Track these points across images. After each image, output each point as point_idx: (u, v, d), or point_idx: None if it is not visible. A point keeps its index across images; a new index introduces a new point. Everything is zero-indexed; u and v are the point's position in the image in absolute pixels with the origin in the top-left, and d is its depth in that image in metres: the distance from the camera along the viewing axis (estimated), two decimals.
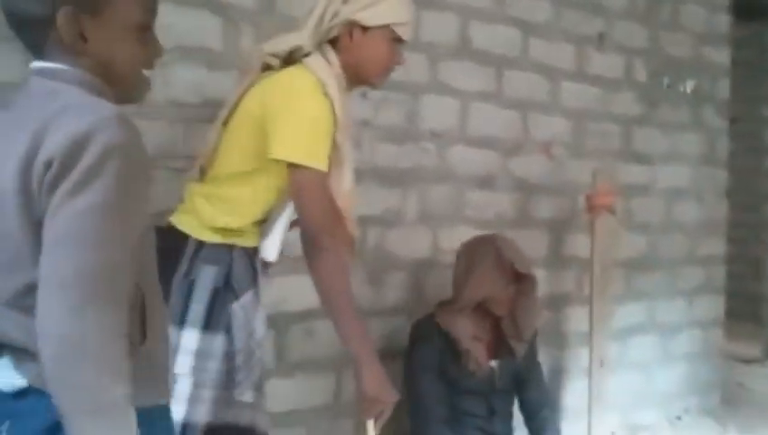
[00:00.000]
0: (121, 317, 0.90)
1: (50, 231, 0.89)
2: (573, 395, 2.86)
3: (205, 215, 1.50)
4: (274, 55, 1.56)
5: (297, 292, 2.10)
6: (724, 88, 3.41)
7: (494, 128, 2.64)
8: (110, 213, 0.89)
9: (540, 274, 2.79)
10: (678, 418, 3.27)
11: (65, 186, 0.88)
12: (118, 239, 0.90)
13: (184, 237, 1.49)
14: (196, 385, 1.45)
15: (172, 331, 1.43)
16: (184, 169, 1.81)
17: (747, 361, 4.14)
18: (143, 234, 0.99)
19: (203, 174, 1.59)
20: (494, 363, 2.17)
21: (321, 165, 1.45)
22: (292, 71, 1.52)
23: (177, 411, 1.41)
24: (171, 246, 1.48)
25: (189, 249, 1.48)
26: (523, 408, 2.30)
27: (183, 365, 1.44)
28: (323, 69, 1.50)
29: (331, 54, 1.54)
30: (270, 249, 1.57)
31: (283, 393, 2.14)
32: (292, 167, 1.44)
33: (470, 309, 2.11)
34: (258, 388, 1.54)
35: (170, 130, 1.95)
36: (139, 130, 0.99)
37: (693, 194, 3.33)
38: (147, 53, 1.06)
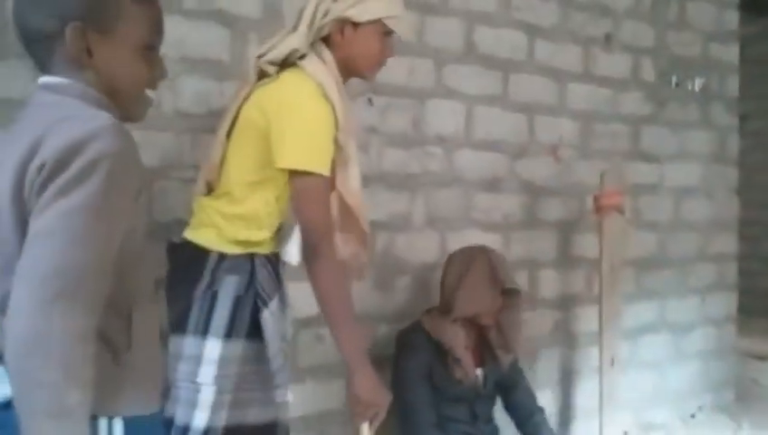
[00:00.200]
0: (91, 321, 0.89)
1: (33, 228, 0.90)
2: (585, 395, 2.87)
3: (226, 231, 1.52)
4: (271, 62, 1.56)
5: (306, 297, 2.11)
6: (732, 85, 3.40)
7: (501, 131, 2.66)
8: (94, 216, 0.90)
9: (549, 274, 2.82)
10: (692, 416, 3.26)
11: (54, 186, 0.89)
12: (100, 243, 0.91)
13: (203, 251, 1.51)
14: (220, 392, 1.47)
15: (193, 340, 1.47)
16: (192, 180, 1.83)
17: (761, 357, 4.12)
18: (133, 241, 1.01)
19: (211, 188, 1.60)
20: (479, 371, 2.20)
21: (323, 169, 1.47)
22: (290, 76, 1.53)
23: (201, 418, 1.45)
24: (190, 261, 1.51)
25: (211, 262, 1.50)
26: (512, 412, 2.32)
27: (206, 375, 1.46)
28: (321, 71, 1.51)
29: (326, 53, 1.55)
30: (293, 253, 1.58)
31: (294, 399, 2.15)
32: (294, 173, 1.47)
33: (461, 321, 2.14)
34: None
35: (178, 140, 1.98)
36: (135, 142, 1.01)
37: (703, 192, 3.32)
38: (151, 73, 1.09)
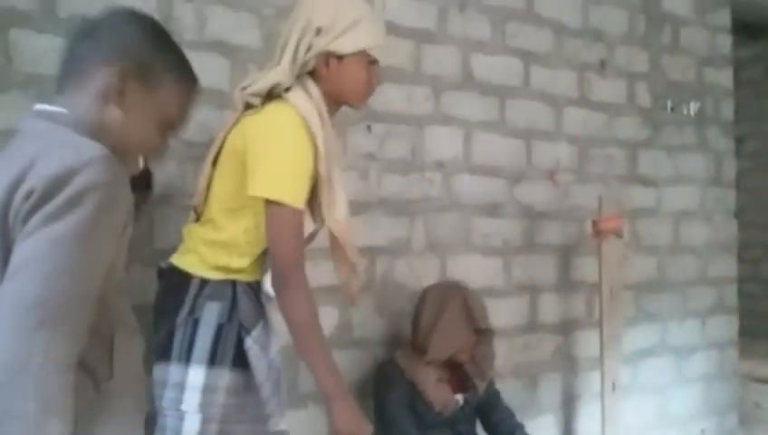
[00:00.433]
0: (73, 351, 0.88)
1: (18, 253, 0.89)
2: (587, 420, 2.86)
3: (207, 257, 1.53)
4: (255, 95, 1.58)
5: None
6: (728, 109, 3.43)
7: (499, 156, 2.68)
8: (81, 244, 0.90)
9: (549, 299, 2.82)
10: None
11: (41, 214, 0.89)
12: (85, 272, 0.90)
13: (186, 277, 1.52)
14: (205, 420, 1.47)
15: (177, 368, 1.47)
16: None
17: (763, 380, 4.10)
18: (115, 272, 1.01)
19: (198, 214, 1.62)
20: (459, 397, 2.22)
21: (297, 202, 1.47)
22: (274, 107, 1.53)
23: None
24: (174, 287, 1.52)
25: (193, 288, 1.50)
26: (494, 432, 2.32)
27: (191, 402, 1.46)
28: (304, 103, 1.52)
29: (312, 86, 1.56)
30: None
31: (296, 424, 2.15)
32: (268, 203, 1.47)
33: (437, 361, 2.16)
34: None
35: (180, 168, 2.01)
36: (125, 174, 1.02)
37: (701, 215, 3.34)
38: (157, 144, 1.11)
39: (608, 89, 3.00)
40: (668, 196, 3.21)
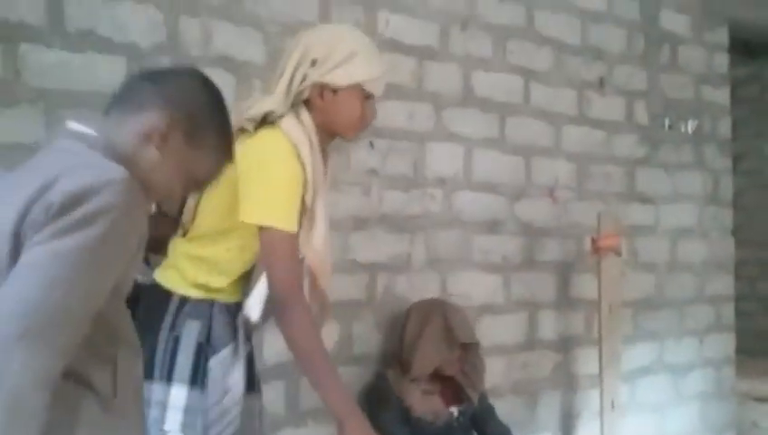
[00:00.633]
0: (52, 365, 0.86)
1: (20, 262, 0.89)
2: None
3: (187, 273, 1.53)
4: (250, 120, 1.57)
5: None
6: (725, 127, 3.46)
7: (499, 173, 2.70)
8: (84, 262, 0.89)
9: (548, 315, 2.83)
10: None
11: (52, 227, 0.89)
12: (80, 290, 0.90)
13: (167, 294, 1.51)
14: None
15: (159, 387, 1.46)
16: None
17: (760, 399, 4.10)
18: (121, 292, 1.01)
19: (185, 231, 1.61)
20: (454, 409, 2.27)
21: (290, 226, 1.48)
22: (266, 133, 1.54)
23: None
24: (157, 303, 1.51)
25: (173, 305, 1.50)
26: None
27: (173, 422, 1.45)
28: (296, 131, 1.52)
29: (305, 116, 1.56)
30: (253, 308, 1.59)
31: None
32: (262, 229, 1.48)
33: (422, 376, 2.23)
34: None
35: None
36: (144, 201, 1.03)
37: (699, 233, 3.35)
38: (177, 196, 1.14)
39: (606, 107, 3.02)
40: (666, 213, 3.23)
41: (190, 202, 1.60)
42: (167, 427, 1.45)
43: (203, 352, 1.49)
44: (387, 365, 2.33)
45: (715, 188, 3.42)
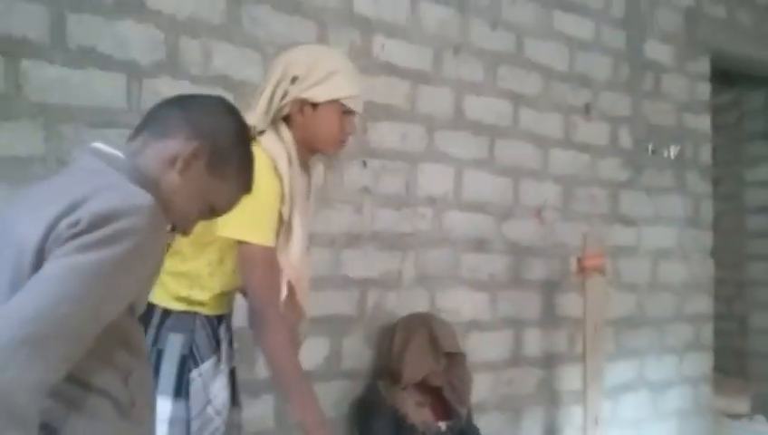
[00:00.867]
0: (47, 380, 0.87)
1: (40, 272, 0.90)
2: None
3: (169, 287, 1.55)
4: None
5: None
6: (706, 153, 3.57)
7: (488, 193, 2.77)
8: (99, 280, 0.91)
9: (533, 333, 2.89)
10: None
11: (77, 242, 0.90)
12: (92, 308, 0.91)
13: (150, 306, 1.52)
14: None
15: None
16: None
17: (735, 416, 4.19)
18: (136, 310, 1.05)
19: (168, 246, 1.66)
20: (442, 425, 2.33)
21: (268, 240, 1.52)
22: None
23: None
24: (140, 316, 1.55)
25: (155, 319, 1.52)
26: None
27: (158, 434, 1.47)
28: (275, 147, 1.56)
29: (285, 132, 1.60)
30: None
31: None
32: (240, 243, 1.52)
33: (411, 384, 2.31)
34: None
35: None
36: (166, 227, 1.07)
37: (679, 254, 3.45)
38: (192, 222, 1.16)
39: (592, 131, 3.11)
40: (648, 235, 3.32)
41: None
42: None
43: (186, 365, 1.51)
44: (378, 377, 2.38)
45: (696, 212, 3.52)
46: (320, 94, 1.60)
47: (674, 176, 3.42)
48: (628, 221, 3.24)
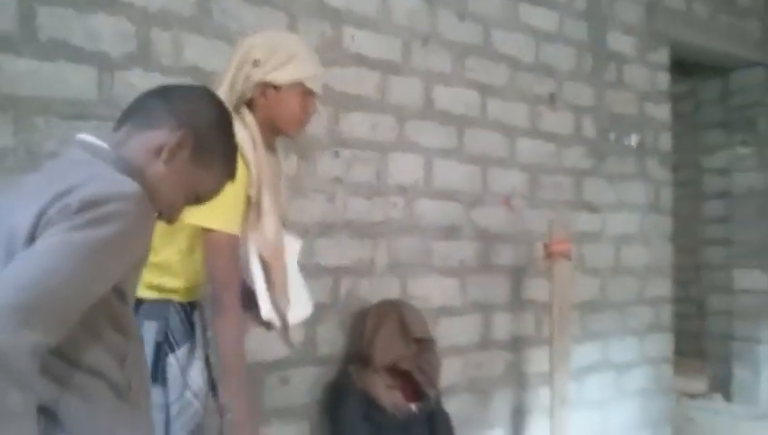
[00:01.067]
0: (41, 344, 0.89)
1: (33, 246, 0.93)
2: (536, 433, 3.01)
3: (142, 276, 1.59)
4: None
5: (272, 342, 2.22)
6: (665, 141, 3.68)
7: (457, 182, 2.83)
8: (89, 257, 0.93)
9: (502, 317, 2.97)
10: None
11: (69, 222, 0.94)
12: (81, 283, 0.93)
13: None
14: None
15: None
16: None
17: (694, 395, 4.35)
18: (126, 295, 1.08)
19: None
20: (413, 406, 2.41)
21: (231, 228, 1.56)
22: None
23: None
24: None
25: None
26: None
27: None
28: (239, 133, 1.57)
29: (248, 116, 1.64)
30: (263, 308, 1.67)
31: None
32: (204, 230, 1.55)
33: (383, 368, 2.37)
34: None
35: None
36: (153, 216, 1.10)
37: (640, 239, 3.56)
38: (178, 210, 1.19)
39: (557, 121, 3.19)
40: (611, 221, 3.42)
41: None
42: None
43: (162, 351, 1.55)
44: (349, 362, 2.44)
45: (656, 198, 3.64)
46: (282, 76, 1.64)
47: (635, 163, 3.53)
48: (592, 208, 3.34)
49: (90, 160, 1.08)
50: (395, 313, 2.41)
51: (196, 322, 1.64)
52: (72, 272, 0.92)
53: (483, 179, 2.92)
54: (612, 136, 3.40)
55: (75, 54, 1.98)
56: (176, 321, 1.59)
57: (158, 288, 1.59)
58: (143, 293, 1.57)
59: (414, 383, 2.44)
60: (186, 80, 2.13)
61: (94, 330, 1.02)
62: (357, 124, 2.54)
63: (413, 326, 2.40)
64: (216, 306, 1.57)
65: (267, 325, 1.79)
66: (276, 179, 1.74)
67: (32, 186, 1.05)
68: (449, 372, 2.68)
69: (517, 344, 3.02)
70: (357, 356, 2.42)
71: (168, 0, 2.14)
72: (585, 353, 3.25)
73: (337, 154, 2.49)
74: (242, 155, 1.56)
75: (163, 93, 1.18)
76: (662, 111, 3.66)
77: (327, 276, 2.46)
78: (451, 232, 2.81)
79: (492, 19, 2.94)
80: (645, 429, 3.53)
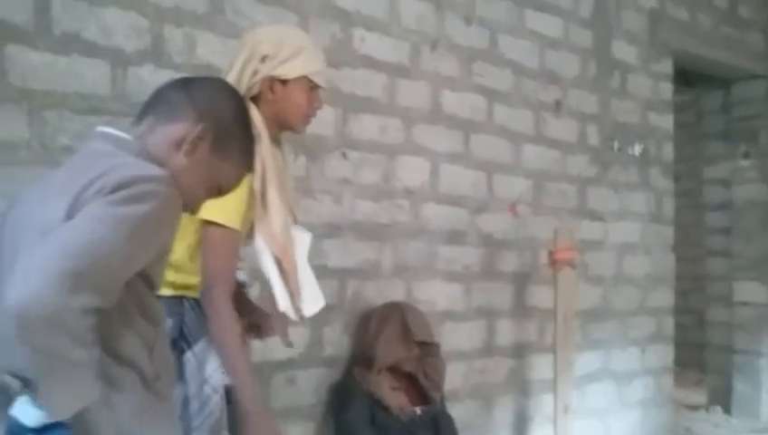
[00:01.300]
0: (92, 305, 0.90)
1: (74, 219, 0.94)
2: None
3: None
4: None
5: (278, 342, 2.20)
6: (668, 151, 3.70)
7: (463, 187, 2.83)
8: (131, 233, 0.95)
9: (505, 324, 2.96)
10: None
11: (106, 199, 0.96)
12: (127, 258, 0.96)
13: None
14: None
15: None
16: None
17: (693, 407, 4.35)
18: (154, 283, 1.08)
19: None
20: (418, 409, 2.41)
21: (231, 222, 1.56)
22: None
23: None
24: None
25: None
26: None
27: None
28: None
29: (253, 110, 1.63)
30: (280, 301, 1.66)
31: None
32: (204, 223, 1.55)
33: (385, 369, 2.38)
34: (216, 432, 1.57)
35: None
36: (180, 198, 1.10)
37: (642, 249, 3.56)
38: (199, 202, 1.20)
39: (561, 128, 3.20)
40: (614, 230, 3.43)
41: None
42: None
43: (178, 347, 1.53)
44: (353, 364, 2.43)
45: (659, 208, 3.64)
46: (290, 71, 1.65)
47: (638, 172, 3.54)
48: (595, 216, 3.34)
49: (113, 151, 1.08)
50: (398, 315, 2.41)
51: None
52: (117, 243, 0.93)
53: (488, 185, 2.92)
54: (616, 144, 3.41)
55: (89, 49, 1.98)
56: (191, 317, 1.58)
57: (172, 285, 1.57)
58: None
59: (418, 387, 2.44)
60: None
61: (127, 320, 1.02)
62: (365, 126, 2.54)
63: (415, 329, 2.40)
64: (206, 299, 1.55)
65: (258, 334, 1.78)
66: (282, 173, 1.74)
67: (60, 179, 1.06)
68: (452, 377, 2.66)
69: (520, 351, 3.01)
70: (361, 358, 2.41)
71: None
72: (587, 362, 3.25)
73: (345, 155, 2.49)
74: None
75: (184, 85, 1.18)
76: (665, 121, 3.67)
77: (333, 278, 2.45)
78: (456, 237, 2.80)
79: (498, 24, 2.96)
80: None
